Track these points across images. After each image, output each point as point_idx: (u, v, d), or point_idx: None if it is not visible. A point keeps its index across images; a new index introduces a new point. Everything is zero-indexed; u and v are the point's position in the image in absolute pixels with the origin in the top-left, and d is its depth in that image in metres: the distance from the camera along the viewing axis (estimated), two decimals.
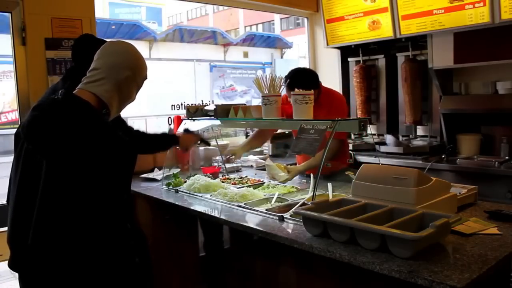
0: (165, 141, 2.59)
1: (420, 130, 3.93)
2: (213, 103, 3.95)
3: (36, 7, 2.87)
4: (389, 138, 4.00)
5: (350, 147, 3.77)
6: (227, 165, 3.20)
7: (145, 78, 1.77)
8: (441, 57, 3.43)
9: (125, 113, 2.40)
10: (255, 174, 3.14)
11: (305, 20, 4.81)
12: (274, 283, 2.19)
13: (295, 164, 2.99)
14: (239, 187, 2.53)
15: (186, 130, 2.74)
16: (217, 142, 3.26)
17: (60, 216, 1.50)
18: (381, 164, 2.63)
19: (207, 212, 2.19)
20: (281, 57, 11.73)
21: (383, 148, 3.72)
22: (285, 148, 3.96)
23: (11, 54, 2.90)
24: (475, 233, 1.62)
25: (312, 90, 2.41)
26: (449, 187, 1.92)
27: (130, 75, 1.65)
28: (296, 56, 11.77)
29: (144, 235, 2.59)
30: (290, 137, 3.82)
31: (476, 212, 1.91)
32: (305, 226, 1.71)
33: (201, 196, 2.44)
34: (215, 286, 2.85)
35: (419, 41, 3.68)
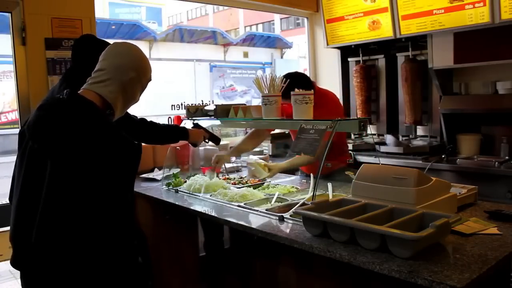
0: (176, 133, 2.58)
1: (420, 130, 3.94)
2: (213, 103, 3.95)
3: (36, 7, 2.87)
4: (389, 138, 4.01)
5: (350, 147, 3.77)
6: (227, 165, 3.20)
7: (150, 79, 1.79)
8: (441, 57, 3.43)
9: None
10: None
11: (305, 20, 4.81)
12: (274, 283, 2.19)
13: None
14: (239, 187, 2.53)
15: (196, 125, 2.72)
16: (221, 139, 3.25)
17: (65, 215, 1.50)
18: (381, 164, 2.63)
19: (207, 212, 2.19)
20: (281, 57, 11.74)
21: (383, 148, 3.72)
22: (285, 148, 3.96)
23: (11, 54, 2.90)
24: (475, 233, 1.62)
25: (312, 90, 2.41)
26: (449, 187, 1.92)
27: (135, 77, 1.66)
28: (296, 56, 11.78)
29: (144, 235, 2.59)
30: (289, 137, 3.82)
31: (476, 212, 1.91)
32: (305, 226, 1.71)
33: (201, 196, 2.44)
34: (215, 286, 2.85)
35: (419, 41, 3.68)
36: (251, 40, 11.07)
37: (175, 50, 9.93)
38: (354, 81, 4.13)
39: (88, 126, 1.50)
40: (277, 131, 3.90)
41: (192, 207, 2.28)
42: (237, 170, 3.28)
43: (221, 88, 10.25)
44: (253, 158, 3.53)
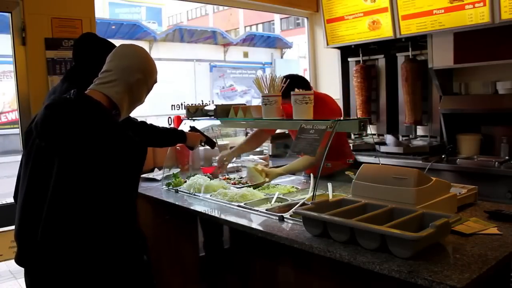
0: (174, 136, 2.58)
1: (420, 130, 3.94)
2: (213, 103, 3.95)
3: (36, 7, 2.87)
4: (389, 138, 4.01)
5: (350, 147, 3.77)
6: (227, 165, 3.20)
7: (155, 81, 1.82)
8: (441, 57, 3.43)
9: None
10: None
11: (305, 20, 4.81)
12: (274, 283, 2.19)
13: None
14: (239, 187, 2.53)
15: (193, 129, 2.72)
16: (217, 142, 3.26)
17: (71, 213, 1.52)
18: (381, 164, 2.63)
19: (207, 212, 2.19)
20: (281, 57, 11.74)
21: (383, 148, 3.72)
22: (285, 148, 3.96)
23: (11, 54, 2.90)
24: (475, 233, 1.62)
25: (313, 91, 2.41)
26: (449, 187, 1.92)
27: (142, 78, 1.69)
28: (296, 56, 11.78)
29: (144, 235, 2.59)
30: (290, 137, 3.82)
31: (476, 212, 1.91)
32: (305, 226, 1.71)
33: (201, 196, 2.44)
34: (215, 286, 2.85)
35: (419, 41, 3.68)
36: (251, 40, 11.08)
37: (175, 50, 9.94)
38: (354, 81, 4.13)
39: (95, 125, 1.52)
40: (277, 131, 3.90)
41: (192, 207, 2.28)
42: (237, 170, 3.28)
43: (221, 88, 10.26)
44: (252, 160, 3.54)
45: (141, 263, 1.68)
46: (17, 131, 3.00)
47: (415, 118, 3.75)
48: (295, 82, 2.64)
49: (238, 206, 2.17)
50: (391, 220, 1.57)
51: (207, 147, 2.84)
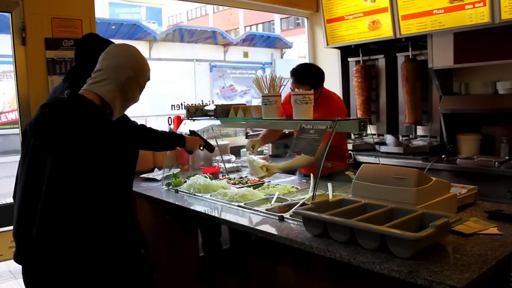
0: (173, 140, 2.55)
1: (420, 130, 3.93)
2: (213, 103, 3.94)
3: (36, 7, 2.87)
4: (389, 138, 4.01)
5: (350, 147, 3.77)
6: (227, 165, 3.20)
7: (148, 79, 1.81)
8: (441, 57, 3.43)
9: (125, 113, 2.41)
10: None
11: (305, 20, 4.81)
12: (274, 283, 2.18)
13: None
14: (239, 187, 2.53)
15: (193, 133, 2.71)
16: (217, 142, 3.26)
17: (64, 211, 1.54)
18: (381, 164, 2.63)
19: (207, 212, 2.19)
20: (281, 57, 11.73)
21: (383, 148, 3.72)
22: (285, 148, 3.96)
23: (11, 54, 2.90)
24: (475, 233, 1.62)
25: (313, 90, 2.41)
26: (449, 187, 1.92)
27: (132, 76, 1.69)
28: (296, 56, 11.78)
29: (144, 235, 2.59)
30: (290, 137, 3.82)
31: (476, 212, 1.91)
32: (305, 226, 1.71)
33: (201, 196, 2.44)
34: (215, 286, 2.85)
35: (419, 41, 3.68)
36: (251, 40, 11.06)
37: (175, 50, 9.92)
38: (354, 81, 4.13)
39: (86, 124, 1.55)
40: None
41: (192, 207, 2.28)
42: (237, 170, 3.28)
43: (221, 88, 10.25)
44: (252, 157, 3.54)
45: (138, 257, 1.70)
46: (17, 131, 3.00)
47: (415, 118, 3.75)
48: (312, 71, 2.85)
49: (238, 206, 2.18)
50: (391, 220, 1.57)
51: (206, 151, 2.85)
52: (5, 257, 2.83)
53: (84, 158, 1.55)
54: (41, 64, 2.91)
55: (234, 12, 20.78)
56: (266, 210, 2.06)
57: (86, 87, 1.66)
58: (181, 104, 4.03)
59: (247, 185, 2.64)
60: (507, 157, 3.25)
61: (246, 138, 4.12)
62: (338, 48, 4.29)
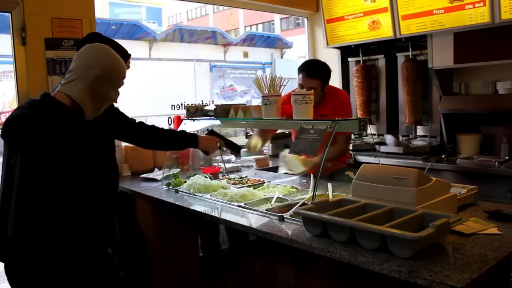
0: (181, 140, 2.44)
1: (420, 130, 3.93)
2: (213, 103, 3.94)
3: (36, 7, 2.87)
4: (389, 138, 4.00)
5: (350, 147, 3.77)
6: (227, 165, 3.20)
7: (123, 77, 1.82)
8: (441, 57, 3.43)
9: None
10: (255, 174, 3.14)
11: (305, 20, 4.81)
12: (274, 283, 2.18)
13: None
14: (239, 187, 2.53)
15: (211, 132, 2.56)
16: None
17: (30, 209, 1.59)
18: (381, 164, 2.63)
19: (207, 212, 2.19)
20: (281, 57, 11.73)
21: (383, 148, 3.72)
22: (285, 148, 3.95)
23: (11, 54, 2.90)
24: (475, 233, 1.62)
25: (313, 90, 2.41)
26: (449, 187, 1.92)
27: (101, 74, 1.70)
28: (296, 56, 11.78)
29: (143, 235, 2.59)
30: (290, 137, 3.82)
31: (476, 212, 1.91)
32: (305, 226, 1.71)
33: (201, 196, 2.44)
34: (215, 286, 2.85)
35: (419, 41, 3.68)
36: (251, 40, 11.06)
37: (175, 50, 9.92)
38: (355, 81, 4.13)
39: (55, 124, 1.60)
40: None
41: (192, 207, 2.28)
42: (237, 170, 3.28)
43: (221, 88, 10.25)
44: (252, 160, 3.54)
45: (104, 255, 1.72)
46: None
47: (415, 118, 3.75)
48: (322, 67, 2.86)
49: (238, 206, 2.17)
50: (391, 220, 1.57)
51: (229, 155, 2.67)
52: None
53: (51, 158, 1.59)
54: (41, 64, 2.91)
55: (234, 12, 20.77)
56: (266, 210, 2.06)
57: (59, 88, 1.70)
58: (181, 104, 4.03)
59: (247, 185, 2.64)
60: (507, 157, 3.25)
61: (246, 138, 4.12)
62: (338, 48, 4.29)
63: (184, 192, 2.55)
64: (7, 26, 2.90)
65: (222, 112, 2.63)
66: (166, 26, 18.35)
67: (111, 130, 2.01)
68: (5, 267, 1.69)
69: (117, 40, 2.32)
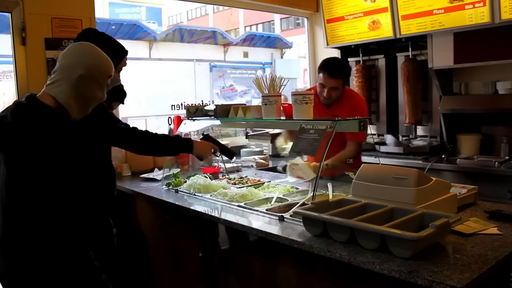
0: (175, 145, 2.34)
1: (420, 130, 3.93)
2: (213, 103, 3.95)
3: (36, 7, 2.87)
4: (389, 138, 4.00)
5: None
6: (227, 165, 3.20)
7: (108, 75, 1.79)
8: (441, 57, 3.43)
9: (124, 113, 2.37)
10: (255, 174, 3.14)
11: (305, 20, 4.81)
12: (274, 283, 2.18)
13: None
14: (239, 187, 2.53)
15: (206, 137, 2.51)
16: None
17: (15, 210, 1.61)
18: (381, 164, 2.63)
19: (207, 212, 2.19)
20: (281, 57, 11.72)
21: (383, 148, 3.72)
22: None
23: (11, 54, 2.90)
24: (475, 233, 1.62)
25: (313, 91, 2.41)
26: (449, 187, 1.92)
27: (84, 74, 1.69)
28: (296, 56, 11.78)
29: (143, 235, 2.59)
30: None
31: (476, 212, 1.91)
32: (305, 226, 1.71)
33: (201, 196, 2.44)
34: (215, 286, 2.85)
35: (419, 41, 3.68)
36: (251, 40, 11.05)
37: (175, 50, 9.91)
38: (355, 81, 4.13)
39: (37, 126, 1.60)
40: (276, 131, 3.90)
41: (192, 207, 2.28)
42: (237, 170, 3.28)
43: (221, 88, 10.24)
44: (253, 160, 3.53)
45: (84, 259, 1.71)
46: None
47: (415, 118, 3.75)
48: (344, 66, 2.81)
49: (238, 206, 2.18)
50: (391, 220, 1.57)
51: (224, 157, 2.63)
52: None
53: (34, 160, 1.59)
54: (41, 64, 2.91)
55: (234, 12, 20.77)
56: (266, 210, 2.06)
57: (44, 89, 1.70)
58: (181, 104, 4.03)
59: (247, 185, 2.64)
60: (507, 157, 3.25)
61: (246, 138, 4.12)
62: (338, 48, 4.29)
63: (184, 192, 2.55)
64: (7, 26, 2.90)
65: (222, 112, 2.63)
66: (166, 26, 18.35)
67: (103, 136, 1.97)
68: None
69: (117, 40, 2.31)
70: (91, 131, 1.83)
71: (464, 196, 2.01)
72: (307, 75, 4.91)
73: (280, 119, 2.38)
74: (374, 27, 3.79)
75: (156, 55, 9.38)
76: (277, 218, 1.93)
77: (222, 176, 2.99)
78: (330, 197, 2.17)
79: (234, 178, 2.87)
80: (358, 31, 3.92)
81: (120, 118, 3.32)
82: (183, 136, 2.81)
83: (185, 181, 2.70)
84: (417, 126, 3.90)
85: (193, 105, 3.50)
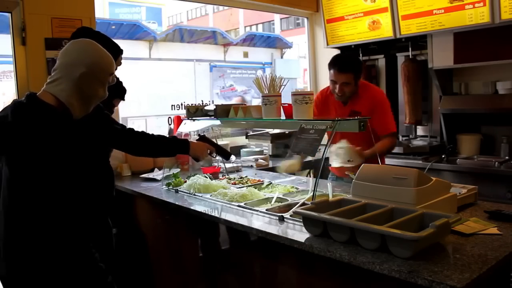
0: (172, 146, 2.28)
1: (420, 130, 3.94)
2: (213, 103, 3.95)
3: (36, 7, 2.87)
4: None
5: None
6: (227, 165, 3.20)
7: (110, 73, 1.76)
8: (441, 57, 3.43)
9: (124, 113, 2.36)
10: (255, 174, 3.14)
11: (305, 20, 4.81)
12: (274, 283, 2.18)
13: None
14: (239, 187, 2.53)
15: (202, 138, 2.48)
16: (217, 142, 3.25)
17: (17, 211, 1.59)
18: (381, 164, 2.63)
19: (207, 212, 2.19)
20: (281, 57, 11.72)
21: None
22: (285, 148, 3.95)
23: (11, 54, 2.90)
24: (475, 233, 1.62)
25: (313, 91, 2.41)
26: (449, 187, 1.92)
27: (86, 72, 1.66)
28: (296, 56, 11.77)
29: (143, 235, 2.59)
30: (290, 137, 3.82)
31: (476, 212, 1.91)
32: (305, 226, 1.71)
33: (201, 196, 2.44)
34: (215, 286, 2.85)
35: (419, 41, 3.68)
36: (251, 40, 11.05)
37: (175, 50, 9.90)
38: None
39: (38, 125, 1.57)
40: (276, 131, 3.90)
41: (192, 207, 2.28)
42: (237, 170, 3.28)
43: (221, 88, 10.24)
44: (253, 160, 3.53)
45: (90, 261, 1.70)
46: None
47: (416, 118, 3.75)
48: (355, 61, 2.77)
49: (238, 206, 2.18)
50: (391, 220, 1.57)
51: (220, 158, 2.61)
52: None
53: (36, 160, 1.57)
54: (41, 64, 2.91)
55: (234, 12, 20.76)
56: (266, 210, 2.06)
57: (44, 87, 1.66)
58: (181, 104, 4.03)
59: (247, 185, 2.64)
60: (507, 157, 3.25)
61: (246, 138, 4.12)
62: (338, 48, 4.28)
63: (184, 192, 2.55)
64: (7, 26, 2.90)
65: (222, 112, 2.63)
66: (166, 26, 18.34)
67: (100, 136, 1.95)
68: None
69: (117, 40, 2.31)
70: (90, 130, 1.82)
71: (464, 196, 2.01)
72: (307, 75, 4.90)
73: (280, 119, 2.38)
74: (374, 27, 3.79)
75: (156, 55, 9.38)
76: (277, 218, 1.93)
77: (222, 176, 2.99)
78: (330, 197, 2.17)
79: (234, 178, 2.87)
80: (358, 31, 3.92)
81: (120, 118, 3.33)
82: (182, 136, 2.81)
83: (185, 181, 2.70)
84: (417, 126, 3.90)
85: (193, 105, 3.50)
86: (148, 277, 2.81)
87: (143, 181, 2.98)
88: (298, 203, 2.05)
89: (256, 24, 22.14)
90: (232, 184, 2.69)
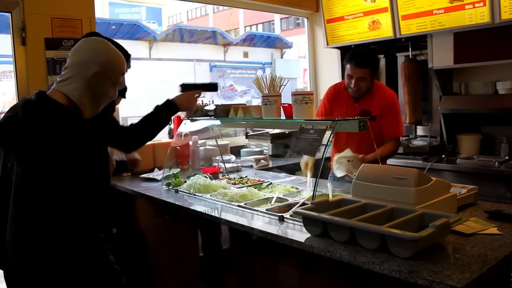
0: (162, 116, 2.19)
1: (420, 130, 3.94)
2: (213, 103, 3.94)
3: (36, 7, 2.87)
4: None
5: None
6: (227, 165, 3.20)
7: (121, 73, 1.75)
8: (441, 57, 3.43)
9: (124, 113, 2.35)
10: (255, 174, 3.14)
11: (305, 20, 4.81)
12: (274, 283, 2.18)
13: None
14: (239, 187, 2.53)
15: (184, 87, 2.32)
16: (217, 142, 3.25)
17: (28, 214, 1.56)
18: (381, 164, 2.63)
19: (207, 212, 2.19)
20: (281, 57, 11.73)
21: None
22: (285, 148, 3.95)
23: (11, 54, 2.90)
24: (475, 233, 1.62)
25: (313, 91, 2.40)
26: (449, 187, 1.92)
27: (99, 71, 1.63)
28: (296, 56, 11.79)
29: (143, 235, 2.59)
30: (290, 137, 3.82)
31: (476, 212, 1.91)
32: (305, 226, 1.71)
33: (201, 196, 2.44)
34: (215, 286, 2.85)
35: (419, 41, 3.68)
36: (251, 40, 11.06)
37: (175, 50, 9.92)
38: None
39: (50, 125, 1.54)
40: (276, 131, 3.90)
41: (192, 207, 2.28)
42: (237, 170, 3.28)
43: (221, 88, 10.25)
44: (252, 160, 3.53)
45: (106, 263, 1.68)
46: None
47: (416, 118, 3.75)
48: (373, 56, 2.74)
49: (238, 206, 2.17)
50: (391, 220, 1.57)
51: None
52: None
53: (48, 161, 1.54)
54: (41, 64, 2.91)
55: (234, 12, 20.77)
56: (266, 210, 2.06)
57: (55, 86, 1.63)
58: None
59: (247, 185, 2.64)
60: (507, 157, 3.25)
61: (246, 138, 4.12)
62: (338, 48, 4.28)
63: (184, 192, 2.55)
64: (7, 26, 2.90)
65: (222, 112, 2.63)
66: (166, 26, 18.34)
67: (104, 136, 1.94)
68: (5, 274, 1.67)
69: (117, 40, 2.31)
70: (97, 130, 1.80)
71: (464, 196, 2.01)
72: (307, 75, 4.91)
73: (280, 119, 2.38)
74: (374, 27, 3.79)
75: (156, 55, 9.39)
76: (277, 218, 1.93)
77: (222, 176, 2.99)
78: (330, 197, 2.17)
79: (234, 178, 2.87)
80: (358, 31, 3.92)
81: (120, 118, 3.33)
82: (182, 137, 2.79)
83: (185, 181, 2.70)
84: (417, 126, 3.90)
85: None
86: (148, 277, 2.81)
87: (143, 181, 2.98)
88: (298, 203, 2.05)
89: (256, 24, 22.15)
90: (232, 184, 2.69)
